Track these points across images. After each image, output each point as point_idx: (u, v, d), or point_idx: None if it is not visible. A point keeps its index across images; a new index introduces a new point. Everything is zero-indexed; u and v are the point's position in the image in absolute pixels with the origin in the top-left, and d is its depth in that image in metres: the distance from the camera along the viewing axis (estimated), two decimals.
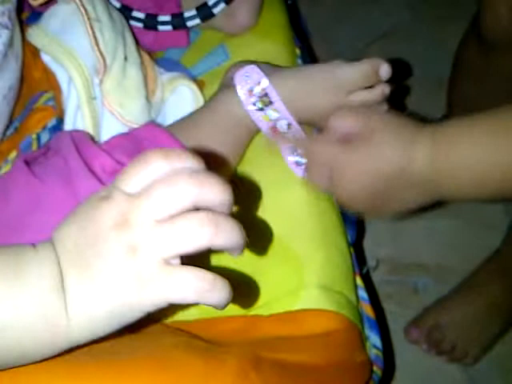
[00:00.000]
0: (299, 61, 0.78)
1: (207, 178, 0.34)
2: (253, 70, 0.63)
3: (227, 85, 0.65)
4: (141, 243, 0.34)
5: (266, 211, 0.63)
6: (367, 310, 0.68)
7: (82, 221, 0.35)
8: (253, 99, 0.63)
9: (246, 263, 0.60)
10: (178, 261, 0.34)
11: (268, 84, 0.63)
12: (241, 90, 0.63)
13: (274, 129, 0.65)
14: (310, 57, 0.83)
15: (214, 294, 0.36)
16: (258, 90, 0.63)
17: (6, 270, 0.35)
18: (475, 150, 0.49)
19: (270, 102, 0.63)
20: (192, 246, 0.34)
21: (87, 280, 0.34)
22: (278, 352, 0.51)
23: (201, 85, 0.71)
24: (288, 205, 0.63)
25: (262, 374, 0.46)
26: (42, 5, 0.59)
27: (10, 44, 0.50)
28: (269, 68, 0.66)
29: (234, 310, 0.58)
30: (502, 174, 0.48)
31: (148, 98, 0.63)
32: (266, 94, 0.63)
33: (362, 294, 0.68)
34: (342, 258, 0.64)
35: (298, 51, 0.79)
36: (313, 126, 0.67)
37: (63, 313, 0.35)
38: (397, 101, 0.65)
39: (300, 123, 0.65)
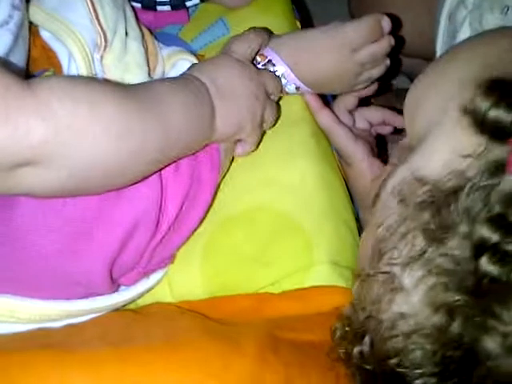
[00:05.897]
0: None
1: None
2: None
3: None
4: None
5: (273, 185, 0.62)
6: None
7: (227, 69, 0.56)
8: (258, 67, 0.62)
9: (255, 239, 0.59)
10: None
11: (270, 51, 0.62)
12: None
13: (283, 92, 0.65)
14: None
15: None
16: (260, 58, 0.62)
17: (188, 92, 0.50)
18: None
19: (274, 71, 0.62)
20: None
21: (224, 107, 0.53)
22: (293, 331, 0.50)
23: (201, 59, 0.69)
24: (294, 178, 0.62)
25: (280, 356, 0.46)
26: None
27: (21, 25, 0.49)
28: (267, 33, 0.64)
29: (244, 288, 0.58)
30: None
31: (149, 74, 0.62)
32: (269, 61, 0.62)
33: None
34: (350, 233, 0.63)
35: (298, 24, 0.77)
36: (321, 90, 0.67)
37: (212, 126, 0.53)
38: (394, 54, 0.66)
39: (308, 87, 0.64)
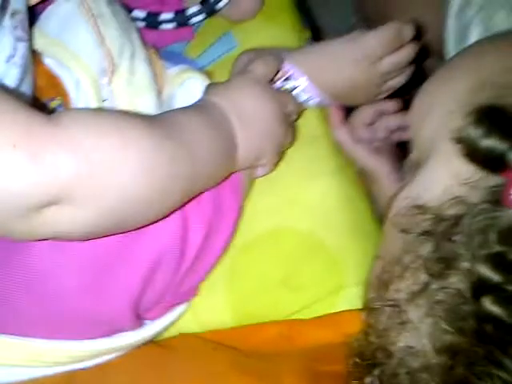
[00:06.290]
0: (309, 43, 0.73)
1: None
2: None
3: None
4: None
5: (294, 205, 0.59)
6: None
7: (247, 93, 0.53)
8: (278, 84, 0.59)
9: (281, 263, 0.57)
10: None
11: (289, 66, 0.59)
12: None
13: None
14: (318, 37, 0.79)
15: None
16: (280, 74, 0.59)
17: (210, 120, 0.48)
18: None
19: (295, 86, 0.60)
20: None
21: (245, 133, 0.50)
22: (331, 363, 0.48)
23: (210, 76, 0.65)
24: (316, 197, 0.59)
25: None
26: (39, 4, 0.54)
27: (27, 56, 0.47)
28: (284, 51, 0.62)
29: (273, 315, 0.55)
30: None
31: (158, 95, 0.59)
32: (289, 76, 0.59)
33: None
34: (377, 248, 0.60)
35: (307, 33, 0.74)
36: (342, 102, 0.64)
37: (234, 155, 0.50)
38: (418, 63, 0.64)
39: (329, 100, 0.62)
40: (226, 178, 0.51)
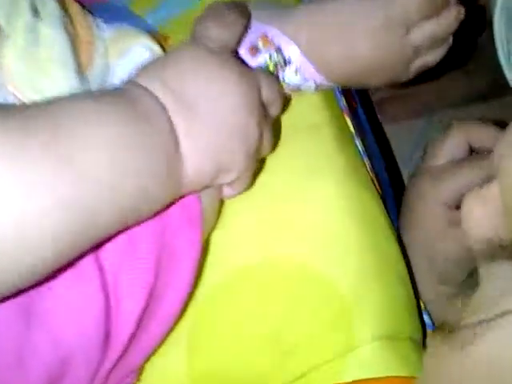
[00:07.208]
0: None
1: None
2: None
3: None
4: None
5: (285, 229, 0.44)
6: None
7: (199, 70, 0.38)
8: (259, 59, 0.44)
9: (267, 313, 0.42)
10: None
11: (275, 32, 0.43)
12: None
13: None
14: None
15: None
16: (263, 44, 0.44)
17: (129, 114, 0.33)
18: None
19: (286, 62, 0.44)
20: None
21: (196, 136, 0.36)
22: None
23: (163, 41, 0.52)
24: (317, 215, 0.44)
25: None
26: None
27: None
28: (272, 7, 0.47)
29: None
30: None
31: (81, 71, 0.43)
32: (278, 49, 0.44)
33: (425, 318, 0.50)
34: (403, 284, 0.45)
35: None
36: (353, 84, 0.51)
37: (176, 170, 0.35)
38: (470, 30, 0.51)
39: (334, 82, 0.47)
40: (174, 203, 0.35)
